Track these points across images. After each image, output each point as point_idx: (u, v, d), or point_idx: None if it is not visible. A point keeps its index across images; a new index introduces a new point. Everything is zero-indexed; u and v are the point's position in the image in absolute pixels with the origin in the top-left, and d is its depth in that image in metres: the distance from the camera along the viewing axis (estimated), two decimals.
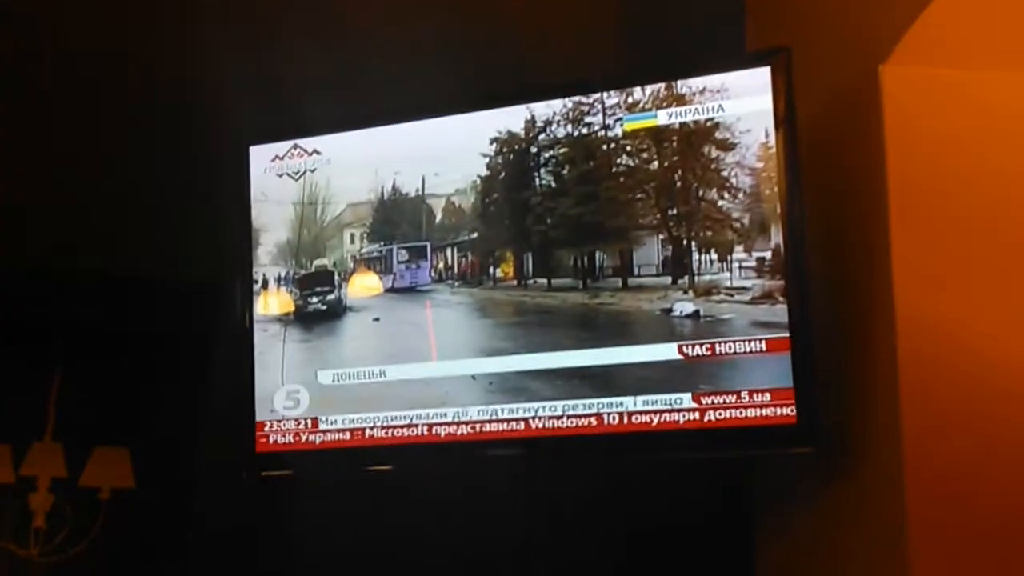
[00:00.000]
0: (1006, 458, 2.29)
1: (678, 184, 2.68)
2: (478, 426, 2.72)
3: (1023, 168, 2.42)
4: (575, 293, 2.74)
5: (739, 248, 2.59)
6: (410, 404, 2.80)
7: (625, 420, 2.60)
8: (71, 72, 3.50)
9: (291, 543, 3.37)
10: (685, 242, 2.65)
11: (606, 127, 2.73)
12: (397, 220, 2.95)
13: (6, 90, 3.49)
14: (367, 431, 2.83)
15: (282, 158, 3.03)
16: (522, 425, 2.68)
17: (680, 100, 2.66)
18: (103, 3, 3.29)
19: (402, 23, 3.30)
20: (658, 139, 2.69)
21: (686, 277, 2.63)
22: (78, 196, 3.80)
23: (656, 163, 2.70)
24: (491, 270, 2.86)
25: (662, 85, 2.69)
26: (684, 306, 2.62)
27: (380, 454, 2.81)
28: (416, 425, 2.78)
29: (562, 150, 2.78)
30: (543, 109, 2.79)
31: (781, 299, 2.51)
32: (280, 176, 3.03)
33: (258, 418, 2.94)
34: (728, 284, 2.59)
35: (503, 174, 2.85)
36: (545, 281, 2.79)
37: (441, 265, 2.91)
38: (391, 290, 2.94)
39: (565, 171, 2.79)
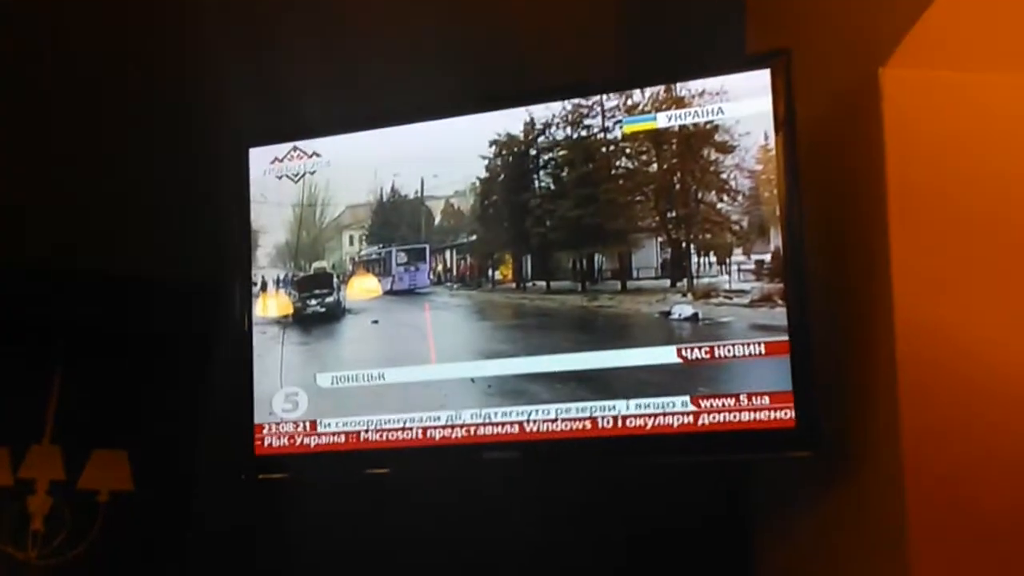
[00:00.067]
0: (1006, 462, 2.29)
1: (677, 187, 2.69)
2: (477, 429, 2.73)
3: (1023, 171, 2.42)
4: (574, 296, 2.75)
5: (738, 251, 2.60)
6: (409, 407, 2.81)
7: (624, 423, 2.61)
8: (71, 72, 3.50)
9: (290, 545, 3.37)
10: (684, 245, 2.66)
11: (605, 129, 2.74)
12: (396, 222, 2.96)
13: (6, 90, 3.50)
14: (366, 434, 2.84)
15: (281, 160, 3.04)
16: (518, 428, 2.69)
17: (680, 103, 2.67)
18: (103, 3, 3.30)
19: (402, 24, 3.31)
20: (657, 141, 2.70)
21: (685, 280, 2.64)
22: (78, 196, 3.80)
23: (655, 165, 2.71)
24: (490, 272, 2.86)
25: (661, 88, 2.70)
26: (683, 309, 2.63)
27: (379, 457, 2.82)
28: (415, 428, 2.79)
29: (561, 152, 2.79)
30: (542, 111, 2.81)
31: (780, 302, 2.52)
32: (279, 178, 3.04)
33: (257, 420, 2.96)
34: (727, 287, 2.60)
35: (502, 176, 2.86)
36: (544, 283, 2.80)
37: (440, 267, 2.91)
38: (390, 292, 2.96)
39: (564, 173, 2.80)
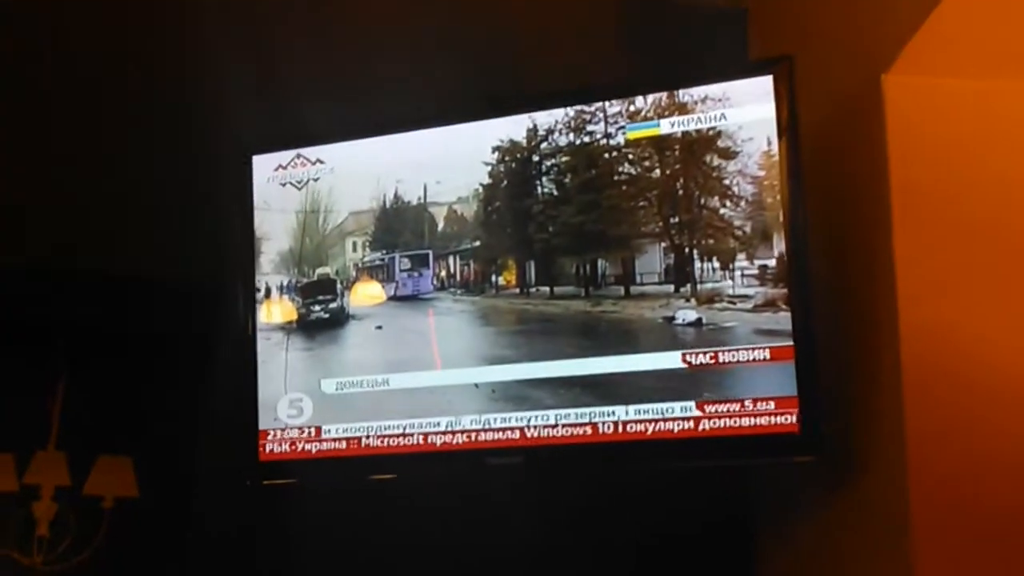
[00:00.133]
0: (1010, 464, 2.31)
1: (680, 192, 2.69)
2: (481, 435, 2.75)
3: None
4: (577, 301, 2.76)
5: (741, 256, 2.61)
6: (413, 413, 2.82)
7: (629, 429, 2.62)
8: (71, 72, 3.50)
9: (294, 551, 3.38)
10: (687, 250, 2.66)
11: (608, 136, 2.75)
12: (399, 228, 2.97)
13: (6, 90, 3.50)
14: (370, 440, 2.85)
15: (285, 167, 3.05)
16: (526, 434, 2.71)
17: (682, 109, 2.68)
18: (103, 3, 3.29)
19: (403, 27, 3.31)
20: (660, 147, 2.71)
21: (688, 285, 2.65)
22: (78, 196, 3.80)
23: (658, 171, 2.72)
24: (493, 278, 2.87)
25: (664, 94, 2.71)
26: (687, 314, 2.63)
27: (383, 463, 2.84)
28: (419, 434, 2.80)
29: (564, 158, 2.80)
30: (545, 118, 2.82)
31: (784, 307, 2.53)
32: (283, 185, 3.05)
33: (261, 426, 2.97)
34: (731, 292, 2.61)
35: (505, 182, 2.87)
36: (547, 289, 2.80)
37: (443, 273, 2.92)
38: (393, 298, 2.96)
39: (567, 179, 2.81)
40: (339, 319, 3.00)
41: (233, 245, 3.07)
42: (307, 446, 2.92)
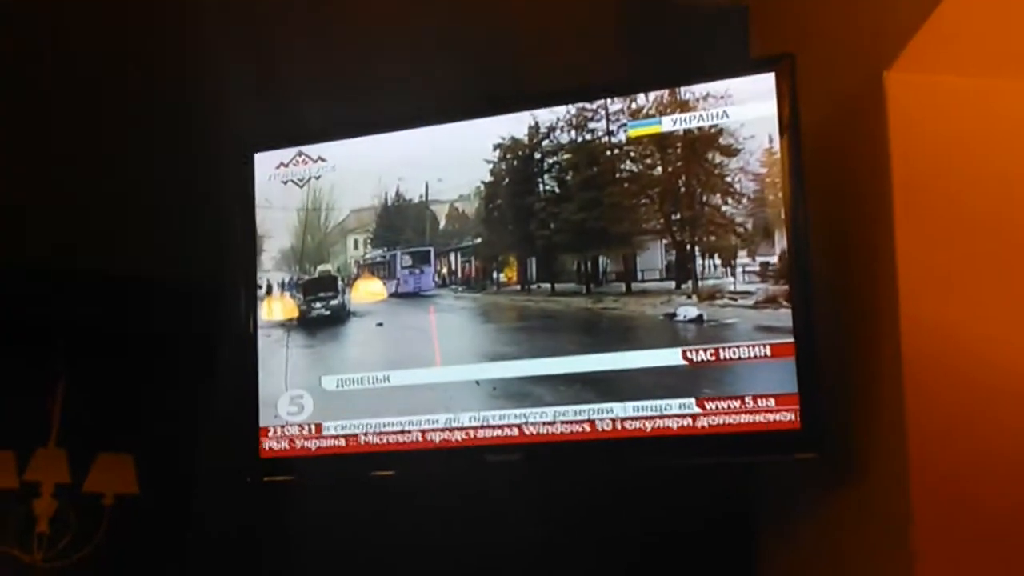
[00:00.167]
0: (1012, 461, 2.31)
1: (682, 189, 2.69)
2: (482, 432, 2.74)
3: None
4: (579, 298, 2.76)
5: (743, 253, 2.61)
6: (414, 410, 2.82)
7: (629, 426, 2.62)
8: (71, 72, 3.51)
9: (294, 548, 3.38)
10: (689, 247, 2.66)
11: (610, 133, 2.75)
12: (401, 226, 2.97)
13: (6, 90, 3.50)
14: (371, 437, 2.85)
15: (287, 165, 3.05)
16: (526, 431, 2.70)
17: (684, 106, 2.68)
18: (103, 3, 3.29)
19: (405, 30, 3.31)
20: (662, 145, 2.71)
21: (690, 282, 2.65)
22: (78, 196, 3.81)
23: (660, 169, 2.72)
24: (495, 275, 2.87)
25: (666, 91, 2.71)
26: (688, 311, 2.63)
27: (384, 460, 2.83)
28: (420, 431, 2.80)
29: (566, 156, 2.80)
30: (547, 115, 2.81)
31: (785, 304, 2.53)
32: (285, 183, 3.05)
33: (262, 423, 2.96)
34: (732, 289, 2.61)
35: (507, 180, 2.87)
36: (549, 286, 2.81)
37: (445, 270, 2.92)
38: (395, 295, 2.96)
39: (569, 177, 2.81)
40: (340, 316, 2.99)
41: (235, 243, 3.07)
42: (308, 443, 2.91)
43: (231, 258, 3.10)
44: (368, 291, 2.98)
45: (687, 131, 2.68)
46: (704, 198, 2.66)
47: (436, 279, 2.92)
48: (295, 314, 3.03)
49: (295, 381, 2.96)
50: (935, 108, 2.46)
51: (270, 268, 3.06)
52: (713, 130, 2.65)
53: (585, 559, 3.13)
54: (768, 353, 2.53)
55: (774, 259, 2.57)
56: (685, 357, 2.60)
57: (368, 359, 2.94)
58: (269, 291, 3.05)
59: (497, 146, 2.86)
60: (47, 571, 4.13)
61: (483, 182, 2.88)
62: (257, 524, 3.42)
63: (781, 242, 2.56)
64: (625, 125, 2.74)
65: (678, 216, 2.69)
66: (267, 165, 3.08)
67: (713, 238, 2.64)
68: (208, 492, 3.73)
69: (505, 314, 2.85)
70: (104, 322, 4.08)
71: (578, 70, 3.12)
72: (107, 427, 4.17)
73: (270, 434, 2.95)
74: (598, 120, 2.76)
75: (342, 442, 2.88)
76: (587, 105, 2.78)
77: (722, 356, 2.58)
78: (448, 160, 2.90)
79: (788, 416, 2.49)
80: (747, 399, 2.53)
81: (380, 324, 2.97)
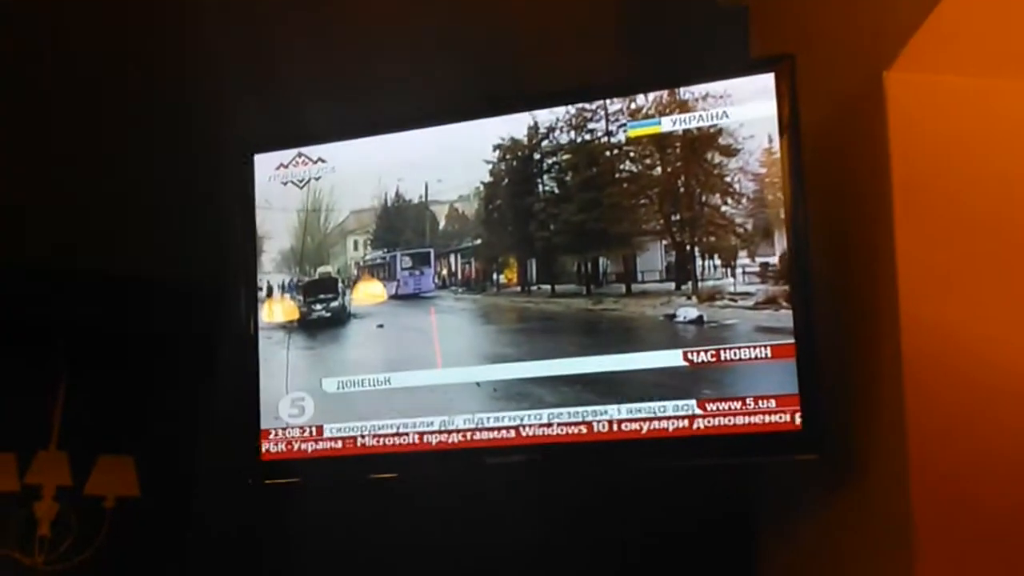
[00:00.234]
0: (1012, 461, 2.31)
1: (681, 190, 2.70)
2: (484, 434, 2.75)
3: None
4: (579, 299, 2.76)
5: (743, 253, 2.61)
6: (415, 411, 2.82)
7: (630, 427, 2.62)
8: (71, 72, 3.51)
9: (295, 551, 3.39)
10: (689, 248, 2.67)
11: (609, 133, 2.75)
12: (400, 227, 2.97)
13: (6, 90, 3.51)
14: (372, 439, 2.85)
15: (287, 166, 3.06)
16: (523, 433, 2.71)
17: (683, 107, 2.68)
18: (103, 3, 3.30)
19: (405, 30, 3.32)
20: (662, 145, 2.71)
21: (690, 283, 2.65)
22: (78, 196, 3.82)
23: (659, 169, 2.73)
24: (495, 276, 2.87)
25: (665, 92, 2.71)
26: (688, 312, 2.64)
27: (385, 462, 2.84)
28: (420, 433, 2.81)
29: (565, 156, 2.80)
30: (546, 116, 2.82)
31: (785, 304, 2.53)
32: (285, 184, 3.05)
33: (263, 426, 2.97)
34: (732, 289, 2.61)
35: (506, 180, 2.87)
36: (549, 287, 2.81)
37: (445, 271, 2.92)
38: (395, 297, 2.96)
39: (568, 177, 2.81)
40: (340, 318, 3.00)
41: (235, 244, 3.08)
42: (308, 445, 2.92)
43: (231, 260, 3.10)
44: (368, 293, 2.99)
45: (687, 131, 2.68)
46: (704, 198, 2.67)
47: (436, 280, 2.93)
48: (295, 316, 3.03)
49: (296, 383, 2.97)
50: (935, 108, 2.46)
51: (270, 270, 3.07)
52: (713, 130, 2.65)
53: (585, 560, 3.13)
54: (768, 354, 2.54)
55: (774, 260, 2.57)
56: (686, 358, 2.61)
57: (369, 361, 2.94)
58: (269, 293, 3.05)
59: (497, 147, 2.86)
60: (48, 574, 4.14)
61: (483, 183, 2.88)
62: (258, 527, 3.43)
63: (781, 243, 2.56)
64: (624, 125, 2.74)
65: (678, 217, 2.69)
66: (267, 166, 3.08)
67: (713, 239, 2.65)
68: (209, 495, 3.73)
69: (505, 316, 2.85)
70: (104, 322, 4.09)
71: (578, 70, 3.12)
72: (108, 429, 4.18)
73: (271, 437, 2.96)
74: (597, 120, 2.77)
75: (343, 444, 2.88)
76: (586, 105, 2.78)
77: (723, 357, 2.58)
78: (448, 161, 2.91)
79: (789, 417, 2.49)
80: (748, 400, 2.54)
81: (380, 326, 2.97)
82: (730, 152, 2.63)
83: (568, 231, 2.78)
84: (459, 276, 2.91)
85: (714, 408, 2.56)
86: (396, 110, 3.11)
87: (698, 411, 2.57)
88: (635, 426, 2.62)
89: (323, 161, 3.03)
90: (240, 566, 3.46)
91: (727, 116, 2.64)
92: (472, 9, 3.29)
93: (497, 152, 2.86)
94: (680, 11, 3.27)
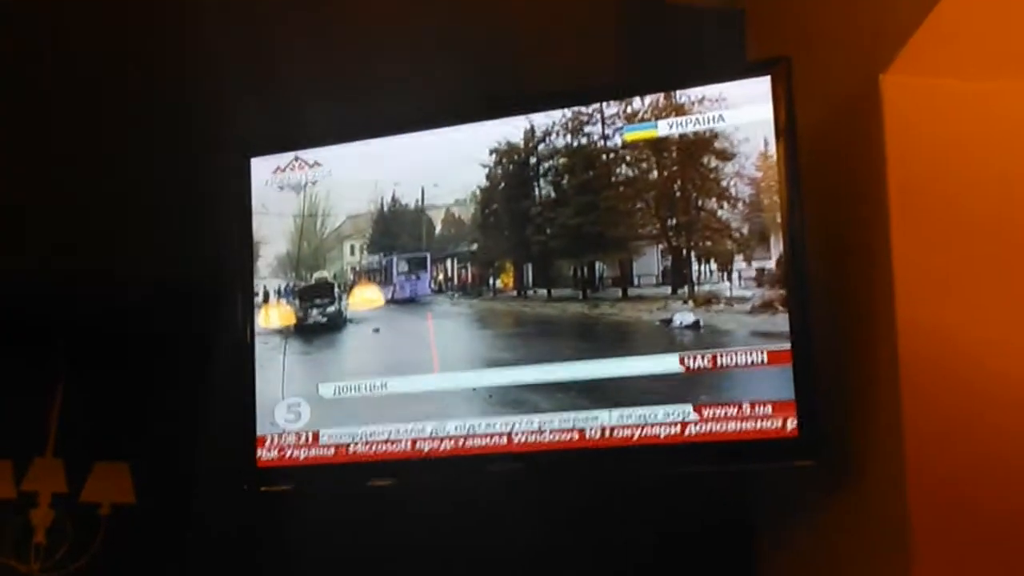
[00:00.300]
0: (1009, 466, 2.33)
1: (678, 194, 2.71)
2: (478, 440, 2.76)
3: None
4: (575, 303, 2.77)
5: (739, 258, 2.63)
6: (411, 417, 2.83)
7: (627, 433, 2.63)
8: (71, 72, 3.52)
9: (292, 557, 3.40)
10: (685, 252, 2.68)
11: (605, 137, 2.77)
12: (397, 231, 2.99)
13: (6, 90, 3.52)
14: (367, 445, 2.87)
15: (283, 170, 3.07)
16: (521, 439, 2.72)
17: (679, 110, 2.70)
18: (103, 3, 3.31)
19: (405, 30, 3.32)
20: (658, 149, 2.73)
21: (686, 287, 2.67)
22: (78, 196, 3.82)
23: (656, 173, 2.74)
24: (491, 281, 2.89)
25: (661, 95, 2.73)
26: (684, 316, 2.65)
27: (380, 468, 2.85)
28: (417, 439, 2.82)
29: (562, 160, 2.82)
30: (542, 119, 2.83)
31: (781, 309, 2.55)
32: (281, 188, 3.07)
33: (259, 432, 2.98)
34: (728, 294, 2.62)
35: (502, 185, 2.89)
36: (545, 291, 2.82)
37: (441, 276, 2.94)
38: (391, 301, 2.98)
39: (565, 181, 2.83)
40: (337, 323, 3.01)
41: (232, 249, 3.09)
42: (304, 451, 2.93)
43: (228, 264, 3.11)
44: (365, 297, 3.00)
45: (683, 135, 2.70)
46: (700, 203, 2.68)
47: (432, 285, 2.94)
48: (292, 321, 3.05)
49: (292, 389, 2.98)
50: (931, 111, 2.48)
51: (267, 275, 3.08)
52: (709, 134, 2.67)
53: (583, 566, 3.15)
54: (765, 360, 2.55)
55: (770, 264, 2.58)
56: (682, 363, 2.62)
57: (365, 366, 2.95)
58: (266, 298, 3.07)
59: (493, 151, 2.88)
60: None
61: (479, 187, 2.89)
62: (255, 533, 3.44)
63: (777, 247, 2.57)
64: (621, 129, 2.76)
65: (674, 221, 2.71)
66: (264, 170, 3.10)
67: (709, 243, 2.66)
68: (205, 501, 3.74)
69: (502, 320, 2.86)
70: (104, 324, 4.10)
71: (577, 71, 3.14)
72: (104, 435, 4.19)
73: (267, 443, 2.97)
74: (594, 124, 2.78)
75: (344, 450, 2.89)
76: (583, 109, 2.80)
77: (719, 362, 2.59)
78: (444, 165, 2.92)
79: (785, 423, 2.50)
80: (744, 406, 2.55)
81: (377, 330, 2.99)
82: (726, 156, 2.65)
83: (564, 235, 2.79)
84: (455, 280, 2.93)
85: (710, 414, 2.57)
86: (392, 113, 3.12)
87: (695, 417, 2.58)
88: (632, 432, 2.63)
89: (319, 165, 3.04)
90: (237, 573, 3.48)
91: (723, 120, 2.66)
92: (472, 9, 3.29)
93: (493, 156, 2.88)
94: (678, 13, 3.27)
